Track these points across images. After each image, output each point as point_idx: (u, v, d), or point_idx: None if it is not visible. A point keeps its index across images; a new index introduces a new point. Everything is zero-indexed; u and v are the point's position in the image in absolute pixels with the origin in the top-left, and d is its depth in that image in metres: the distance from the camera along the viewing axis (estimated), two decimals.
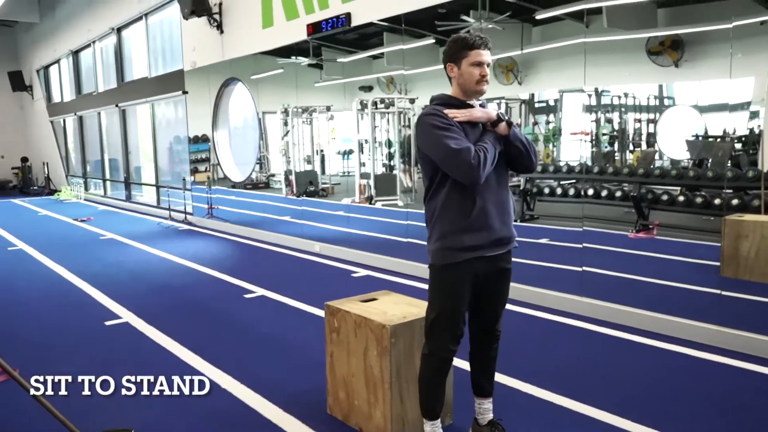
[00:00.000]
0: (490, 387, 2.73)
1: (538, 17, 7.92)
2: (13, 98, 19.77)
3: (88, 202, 15.20)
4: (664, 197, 7.62)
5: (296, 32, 7.51)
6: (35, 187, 18.03)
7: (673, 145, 8.51)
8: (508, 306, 4.87)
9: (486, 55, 2.42)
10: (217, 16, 9.03)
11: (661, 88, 9.64)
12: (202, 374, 3.58)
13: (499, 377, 3.39)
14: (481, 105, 2.52)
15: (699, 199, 7.22)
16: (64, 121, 17.54)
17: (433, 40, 8.55)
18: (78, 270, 6.71)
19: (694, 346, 3.87)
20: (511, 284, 4.72)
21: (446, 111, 2.42)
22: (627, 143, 10.11)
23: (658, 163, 8.56)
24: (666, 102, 9.03)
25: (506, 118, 2.45)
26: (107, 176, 15.47)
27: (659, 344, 3.95)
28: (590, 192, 8.39)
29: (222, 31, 9.06)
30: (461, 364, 3.52)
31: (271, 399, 3.24)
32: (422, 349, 2.54)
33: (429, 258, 2.53)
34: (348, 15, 6.66)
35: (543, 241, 7.56)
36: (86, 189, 16.47)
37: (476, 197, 2.41)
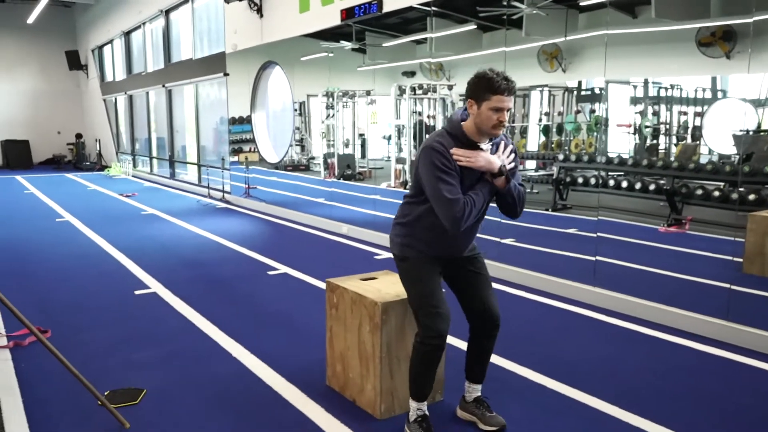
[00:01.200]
0: (482, 375, 2.82)
1: (582, 3, 7.81)
2: (70, 77, 20.61)
3: (135, 178, 15.79)
4: (699, 192, 7.47)
5: (331, 17, 7.63)
6: (87, 163, 18.79)
7: (719, 139, 8.30)
8: (520, 292, 4.93)
9: (508, 102, 2.41)
10: (257, 0, 9.22)
11: (714, 81, 9.37)
12: (218, 344, 3.82)
13: (498, 360, 3.48)
14: (493, 143, 2.56)
15: (734, 195, 7.06)
16: (115, 99, 18.20)
17: (474, 26, 8.54)
18: (116, 242, 7.07)
19: (706, 342, 3.85)
20: (527, 272, 4.79)
21: (453, 151, 2.45)
22: (671, 136, 9.89)
23: (703, 158, 8.36)
24: (718, 95, 8.78)
25: (506, 173, 2.48)
26: (154, 154, 16.03)
27: (670, 338, 3.95)
28: (624, 184, 8.29)
29: (261, 15, 9.25)
30: (456, 342, 3.64)
31: (276, 369, 3.41)
32: (414, 338, 2.62)
33: (391, 250, 2.72)
34: (380, 1, 6.72)
35: (571, 231, 7.55)
36: (134, 166, 17.11)
37: (447, 234, 2.53)
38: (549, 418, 2.85)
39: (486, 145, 2.53)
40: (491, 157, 2.48)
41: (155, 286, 5.18)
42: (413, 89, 9.43)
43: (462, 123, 2.52)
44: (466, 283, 2.70)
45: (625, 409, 2.92)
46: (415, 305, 2.60)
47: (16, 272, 5.75)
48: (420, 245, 2.61)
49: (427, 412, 2.69)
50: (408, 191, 2.68)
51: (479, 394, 2.84)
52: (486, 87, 2.40)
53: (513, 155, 2.57)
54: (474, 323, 2.73)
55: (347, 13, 7.23)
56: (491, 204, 2.63)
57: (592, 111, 10.06)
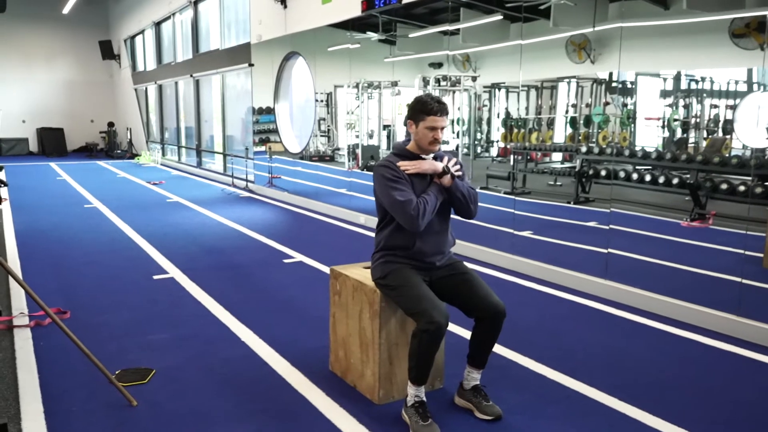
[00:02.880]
0: (484, 361, 2.86)
1: None
2: (103, 66, 21.06)
3: (163, 167, 16.10)
4: (724, 186, 7.33)
5: (353, 8, 7.66)
6: (119, 151, 19.21)
7: (751, 132, 8.11)
8: (531, 284, 4.94)
9: (441, 121, 2.74)
10: None
11: (750, 73, 9.15)
12: (228, 328, 3.93)
13: (500, 349, 3.51)
14: (435, 156, 2.86)
15: (759, 189, 6.91)
16: (146, 89, 18.55)
17: (501, 17, 8.47)
18: (140, 228, 7.26)
19: (714, 336, 3.82)
20: (536, 263, 4.81)
21: (399, 163, 2.76)
22: (701, 130, 9.70)
23: (737, 152, 8.18)
24: (754, 87, 8.55)
25: (450, 170, 2.77)
26: (182, 143, 16.31)
27: (677, 331, 3.92)
28: (647, 178, 8.17)
29: (285, 6, 9.33)
30: (456, 330, 3.68)
31: (282, 354, 3.50)
32: (413, 330, 2.66)
33: (373, 278, 2.87)
34: None
35: (591, 224, 7.49)
36: (163, 154, 17.43)
37: (416, 239, 2.78)
38: (545, 408, 2.88)
39: (428, 156, 2.84)
40: (434, 162, 2.80)
41: (174, 272, 5.32)
42: (437, 81, 9.43)
43: (406, 146, 2.87)
44: (456, 289, 2.78)
45: (622, 401, 2.93)
46: (409, 307, 2.67)
47: (45, 256, 5.95)
48: (397, 260, 2.81)
49: (424, 398, 2.73)
50: (376, 224, 2.95)
51: (477, 382, 2.87)
52: (421, 109, 2.74)
53: (458, 165, 2.84)
54: (480, 320, 2.79)
55: (368, 3, 7.26)
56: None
57: (624, 105, 9.92)
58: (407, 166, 2.75)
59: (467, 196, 2.81)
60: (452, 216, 2.94)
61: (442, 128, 2.74)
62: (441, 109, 2.73)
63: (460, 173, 2.82)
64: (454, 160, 2.83)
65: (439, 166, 2.77)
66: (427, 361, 2.67)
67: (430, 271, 2.85)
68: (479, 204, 2.90)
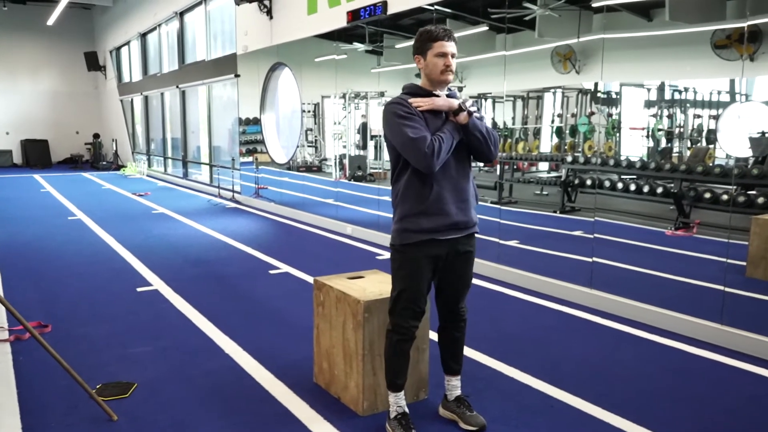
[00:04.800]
0: (457, 366, 2.85)
1: (594, 5, 7.79)
2: (89, 77, 20.95)
3: (149, 178, 16.00)
4: (707, 195, 7.40)
5: (338, 19, 7.69)
6: (104, 162, 19.07)
7: (734, 142, 8.21)
8: (518, 294, 4.94)
9: (450, 46, 2.54)
10: (267, 2, 9.32)
11: (732, 83, 9.27)
12: (212, 340, 3.89)
13: (484, 359, 3.51)
14: (449, 95, 2.63)
15: (741, 198, 6.99)
16: (132, 100, 18.46)
17: (487, 27, 8.53)
18: (124, 240, 7.19)
19: (698, 345, 3.83)
20: (522, 273, 4.81)
21: (411, 100, 2.56)
22: (685, 140, 9.80)
23: (719, 162, 8.27)
24: (736, 98, 8.66)
25: (467, 107, 2.54)
26: (168, 154, 16.23)
27: (661, 340, 3.93)
28: (632, 187, 8.24)
29: (271, 17, 9.35)
30: None
31: (266, 366, 3.47)
32: (386, 325, 2.68)
33: (390, 238, 2.68)
34: (384, 3, 6.77)
35: (577, 233, 7.51)
36: (149, 166, 17.33)
37: (433, 183, 2.54)
38: (529, 418, 2.87)
39: (442, 93, 2.62)
40: (448, 99, 2.59)
41: (157, 284, 5.27)
42: None
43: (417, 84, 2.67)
44: (447, 282, 2.73)
45: (606, 410, 2.93)
46: (395, 295, 2.64)
47: (27, 269, 5.88)
48: (414, 222, 2.56)
49: (406, 409, 2.72)
50: (390, 174, 2.72)
51: (459, 392, 2.86)
52: (427, 38, 2.56)
53: (475, 107, 2.62)
54: (442, 313, 2.80)
55: (353, 15, 7.29)
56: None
57: (610, 115, 10.00)
58: (420, 102, 2.56)
59: (486, 134, 2.59)
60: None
61: (453, 55, 2.55)
62: (447, 33, 2.54)
63: (474, 109, 2.60)
64: (471, 100, 2.61)
65: (455, 102, 2.57)
66: (399, 363, 2.67)
67: (447, 244, 2.60)
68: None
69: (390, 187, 2.71)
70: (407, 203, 2.58)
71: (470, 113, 2.55)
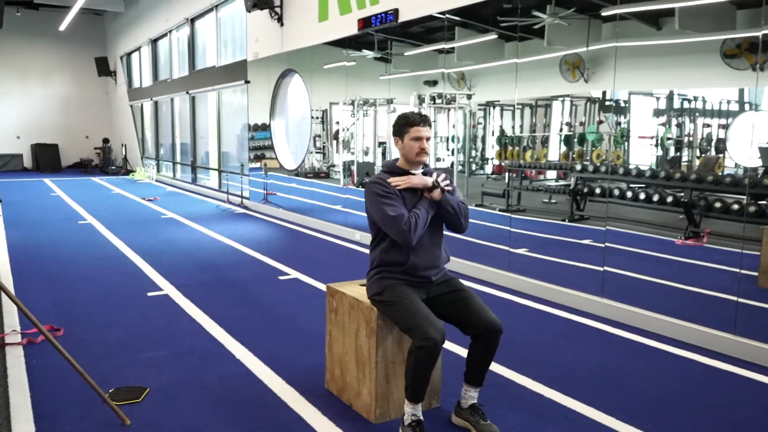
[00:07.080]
0: (481, 378, 2.84)
1: (603, 14, 7.80)
2: (99, 82, 21.12)
3: (158, 183, 16.07)
4: (717, 204, 7.37)
5: (349, 26, 7.72)
6: (114, 167, 19.18)
7: (744, 151, 8.17)
8: (528, 302, 4.93)
9: (424, 131, 2.81)
10: (278, 9, 9.38)
11: (741, 93, 9.24)
12: (223, 345, 3.89)
13: (497, 368, 3.49)
14: (425, 172, 2.89)
15: (752, 208, 6.96)
16: (141, 105, 18.57)
17: (496, 36, 8.55)
18: (134, 245, 7.22)
19: (711, 355, 3.81)
20: (532, 281, 4.79)
21: (389, 180, 2.82)
22: (694, 149, 9.77)
23: (729, 171, 8.22)
24: (746, 107, 8.64)
25: (440, 184, 2.81)
26: (177, 159, 16.31)
27: (674, 350, 3.91)
28: (641, 196, 8.21)
29: (282, 24, 9.40)
30: (453, 348, 3.66)
31: (277, 372, 3.47)
32: (409, 347, 2.65)
33: (369, 295, 2.87)
34: (396, 11, 6.81)
35: (586, 241, 7.49)
36: (158, 171, 17.42)
37: (409, 254, 2.80)
38: (542, 427, 2.85)
39: (418, 171, 2.88)
40: (423, 177, 2.85)
41: (168, 289, 5.29)
42: (432, 98, 9.48)
43: (395, 163, 2.94)
44: (452, 306, 2.77)
45: (620, 420, 2.91)
46: (404, 323, 2.66)
47: (38, 272, 5.91)
48: (392, 276, 2.81)
49: (421, 417, 2.71)
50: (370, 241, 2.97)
51: (475, 401, 2.85)
52: (404, 123, 2.83)
53: (447, 180, 2.87)
54: (477, 337, 2.77)
55: (364, 22, 7.32)
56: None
57: (618, 123, 9.99)
58: (398, 181, 2.80)
59: (457, 209, 2.84)
60: (445, 233, 2.95)
61: (428, 138, 2.81)
62: (423, 119, 2.81)
63: (449, 188, 2.85)
64: (443, 175, 2.86)
65: (429, 180, 2.81)
66: (424, 377, 2.65)
67: (426, 287, 2.84)
68: (470, 220, 2.93)
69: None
70: (384, 266, 2.84)
71: (443, 190, 2.80)
